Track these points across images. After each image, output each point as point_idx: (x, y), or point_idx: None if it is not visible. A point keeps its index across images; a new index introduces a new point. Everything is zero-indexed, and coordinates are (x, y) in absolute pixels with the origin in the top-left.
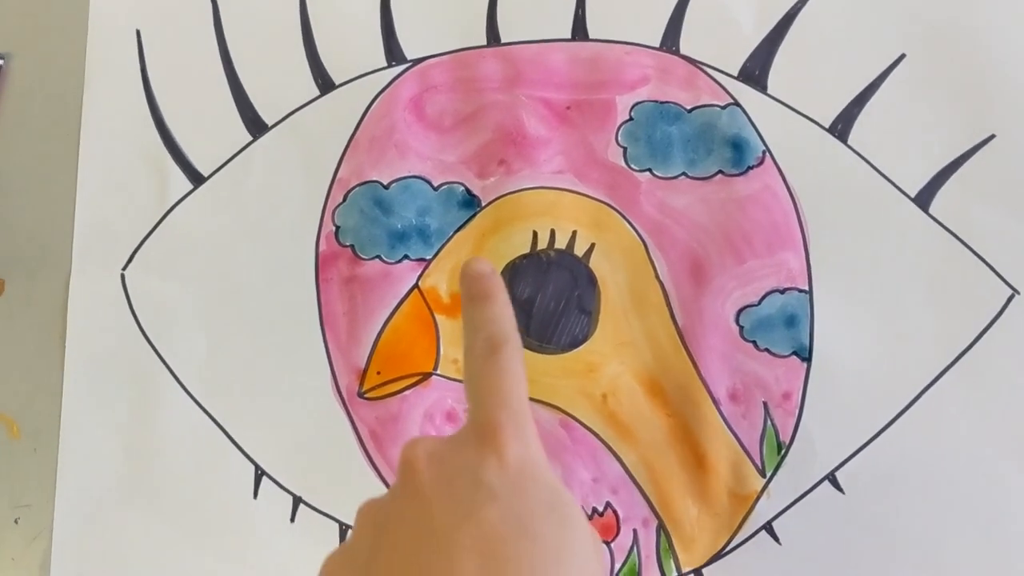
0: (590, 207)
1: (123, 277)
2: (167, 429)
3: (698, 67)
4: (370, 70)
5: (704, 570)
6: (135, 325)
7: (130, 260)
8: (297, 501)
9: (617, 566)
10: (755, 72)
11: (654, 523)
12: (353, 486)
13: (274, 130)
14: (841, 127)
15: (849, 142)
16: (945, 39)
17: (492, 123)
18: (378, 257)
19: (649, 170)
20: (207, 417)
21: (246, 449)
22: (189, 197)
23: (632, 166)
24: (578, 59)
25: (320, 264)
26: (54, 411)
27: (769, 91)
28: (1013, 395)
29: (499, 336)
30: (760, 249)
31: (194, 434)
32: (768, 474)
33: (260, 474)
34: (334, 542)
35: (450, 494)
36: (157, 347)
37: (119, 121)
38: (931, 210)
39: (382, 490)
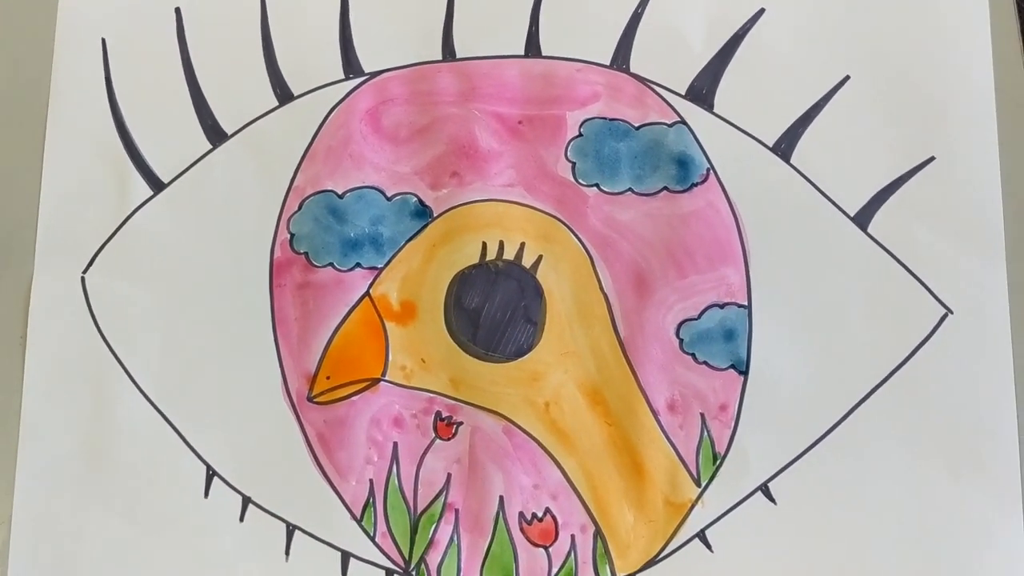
0: (539, 220)
1: (83, 280)
2: (123, 429)
3: (647, 85)
4: (328, 82)
5: None
6: (94, 327)
7: (90, 264)
8: (246, 501)
9: (554, 571)
10: (702, 91)
11: (591, 529)
12: (300, 488)
13: (233, 139)
14: (785, 146)
15: (792, 161)
16: (889, 63)
17: (446, 136)
18: (331, 264)
19: (596, 185)
20: (161, 418)
21: (198, 449)
22: (149, 203)
23: (580, 181)
24: (531, 75)
25: (274, 270)
26: (14, 408)
27: (715, 110)
28: (944, 411)
29: None
30: (702, 264)
31: (149, 434)
32: (703, 483)
33: (211, 474)
34: (281, 541)
35: None
36: (115, 349)
37: (83, 127)
38: (870, 229)
39: (326, 491)
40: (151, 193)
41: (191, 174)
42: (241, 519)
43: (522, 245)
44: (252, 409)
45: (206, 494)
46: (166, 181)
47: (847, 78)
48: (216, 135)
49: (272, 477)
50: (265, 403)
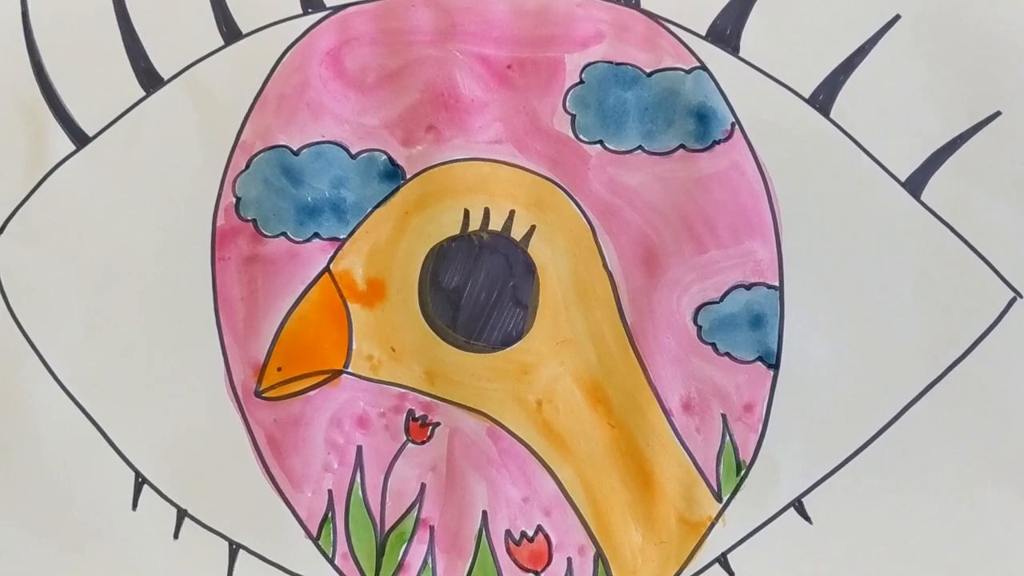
0: (531, 183)
1: None
2: (35, 424)
3: (661, 24)
4: (282, 18)
5: None
6: (3, 303)
7: (1, 230)
8: (182, 514)
9: None
10: (726, 31)
11: (591, 551)
12: (245, 499)
13: (170, 84)
14: (823, 98)
15: (831, 116)
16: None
17: (421, 82)
18: (284, 234)
19: (600, 142)
20: (81, 413)
21: (125, 452)
22: (71, 159)
23: (581, 137)
24: (523, 10)
25: (217, 240)
26: None
27: (741, 54)
28: (1009, 414)
29: None
30: (724, 237)
31: (66, 432)
32: (724, 498)
33: (140, 482)
34: (223, 562)
35: None
36: (26, 329)
37: None
38: (923, 197)
39: (277, 503)
40: (73, 148)
41: (120, 126)
42: (175, 535)
43: (511, 213)
44: (189, 405)
45: (134, 505)
46: (91, 134)
47: (897, 17)
48: (150, 79)
49: (212, 486)
50: (205, 398)
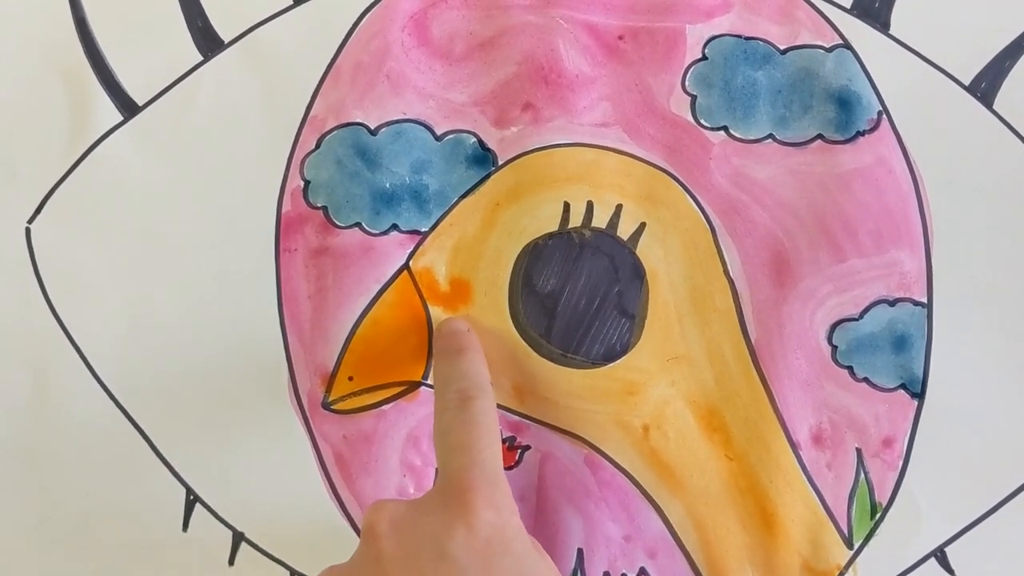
0: (642, 174)
1: (28, 231)
2: (72, 430)
3: None
4: None
5: None
6: (39, 293)
7: (38, 211)
8: (238, 538)
9: None
10: (875, 4)
11: None
12: (310, 523)
13: (231, 48)
14: (985, 86)
15: (995, 107)
16: None
17: (518, 53)
18: (358, 225)
19: (725, 128)
20: (125, 418)
21: (175, 465)
22: (117, 132)
23: (702, 122)
24: None
25: (282, 229)
26: None
27: (892, 31)
28: None
29: (472, 388)
30: (866, 244)
31: (107, 440)
32: (856, 544)
33: (192, 500)
34: None
35: (413, 568)
36: (65, 322)
37: (32, 31)
38: None
39: (344, 529)
40: (120, 119)
41: (173, 95)
42: (231, 562)
43: (618, 208)
44: (248, 415)
45: (185, 526)
46: (140, 103)
47: None
48: (208, 42)
49: (273, 507)
50: (266, 408)
